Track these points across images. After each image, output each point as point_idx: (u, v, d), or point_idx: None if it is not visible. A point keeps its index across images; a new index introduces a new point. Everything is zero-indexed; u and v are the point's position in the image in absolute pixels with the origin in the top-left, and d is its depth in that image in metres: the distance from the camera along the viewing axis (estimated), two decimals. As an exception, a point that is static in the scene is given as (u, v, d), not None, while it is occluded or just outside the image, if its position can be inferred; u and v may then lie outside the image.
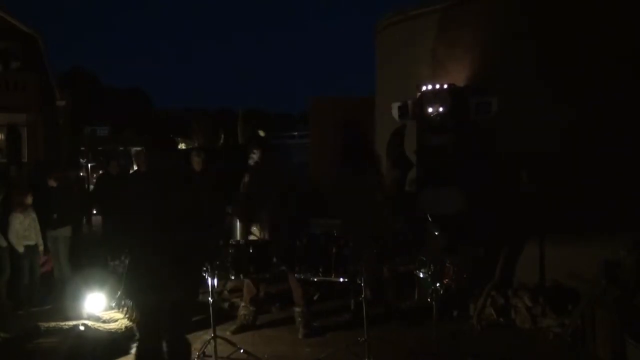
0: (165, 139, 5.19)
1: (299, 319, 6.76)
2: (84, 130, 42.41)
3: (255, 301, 6.95)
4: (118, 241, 4.90)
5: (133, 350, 4.72)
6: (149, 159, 5.12)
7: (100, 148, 34.35)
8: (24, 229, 8.09)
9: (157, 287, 4.58)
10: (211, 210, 5.37)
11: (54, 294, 8.36)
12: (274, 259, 5.97)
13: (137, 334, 4.75)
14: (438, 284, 5.62)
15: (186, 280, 4.86)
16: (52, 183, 8.76)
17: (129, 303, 4.73)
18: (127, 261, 4.76)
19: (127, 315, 6.63)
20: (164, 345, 4.80)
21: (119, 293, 5.16)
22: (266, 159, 7.00)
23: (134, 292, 4.61)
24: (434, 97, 8.39)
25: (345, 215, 6.71)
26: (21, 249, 8.05)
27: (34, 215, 8.24)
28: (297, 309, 6.80)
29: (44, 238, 8.41)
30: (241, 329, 6.86)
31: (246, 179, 6.93)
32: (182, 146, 37.06)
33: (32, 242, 8.18)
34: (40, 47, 24.82)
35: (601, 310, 5.95)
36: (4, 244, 7.93)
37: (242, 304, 7.03)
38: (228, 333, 6.60)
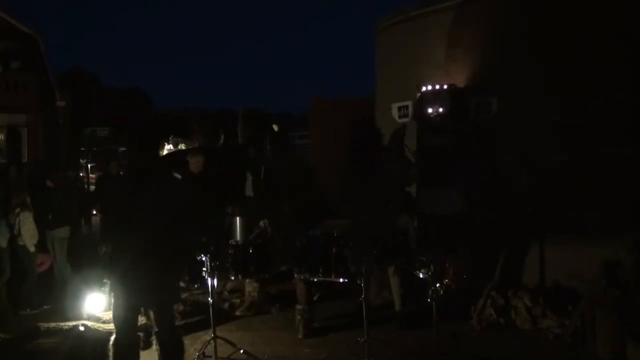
0: (148, 139, 5.17)
1: (299, 318, 6.76)
2: (84, 130, 42.46)
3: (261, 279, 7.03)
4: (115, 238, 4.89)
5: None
6: (130, 159, 5.17)
7: (96, 148, 34.34)
8: (33, 228, 8.12)
9: (157, 288, 4.61)
10: (207, 210, 5.38)
11: (54, 294, 8.36)
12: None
13: (115, 327, 4.78)
14: (438, 285, 5.61)
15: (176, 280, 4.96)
16: (50, 184, 8.75)
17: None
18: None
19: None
20: (155, 342, 4.85)
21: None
22: (280, 156, 7.07)
23: (134, 292, 4.62)
24: (434, 97, 8.38)
25: (354, 215, 6.69)
26: (33, 248, 8.08)
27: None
28: (299, 307, 6.80)
29: (44, 238, 8.41)
30: (249, 308, 6.95)
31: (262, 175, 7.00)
32: (182, 146, 37.07)
33: (35, 242, 8.21)
34: (40, 47, 24.81)
35: (601, 310, 5.95)
36: (5, 244, 7.93)
37: (247, 280, 7.08)
38: (238, 312, 6.71)
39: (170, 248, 4.69)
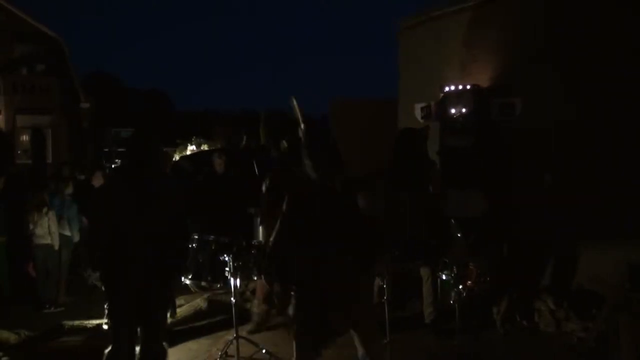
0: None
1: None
2: (108, 131, 42.76)
3: (269, 299, 6.92)
4: None
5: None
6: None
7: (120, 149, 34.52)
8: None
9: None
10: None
11: (82, 293, 8.41)
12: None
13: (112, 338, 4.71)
14: (461, 287, 5.58)
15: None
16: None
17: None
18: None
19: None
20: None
21: None
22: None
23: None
24: (457, 97, 8.35)
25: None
26: (57, 246, 8.20)
27: None
28: None
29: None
30: (257, 329, 6.84)
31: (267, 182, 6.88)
32: (204, 147, 37.19)
33: None
34: (64, 50, 25.18)
35: (625, 315, 5.87)
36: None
37: (255, 302, 7.02)
38: (244, 333, 6.58)
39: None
